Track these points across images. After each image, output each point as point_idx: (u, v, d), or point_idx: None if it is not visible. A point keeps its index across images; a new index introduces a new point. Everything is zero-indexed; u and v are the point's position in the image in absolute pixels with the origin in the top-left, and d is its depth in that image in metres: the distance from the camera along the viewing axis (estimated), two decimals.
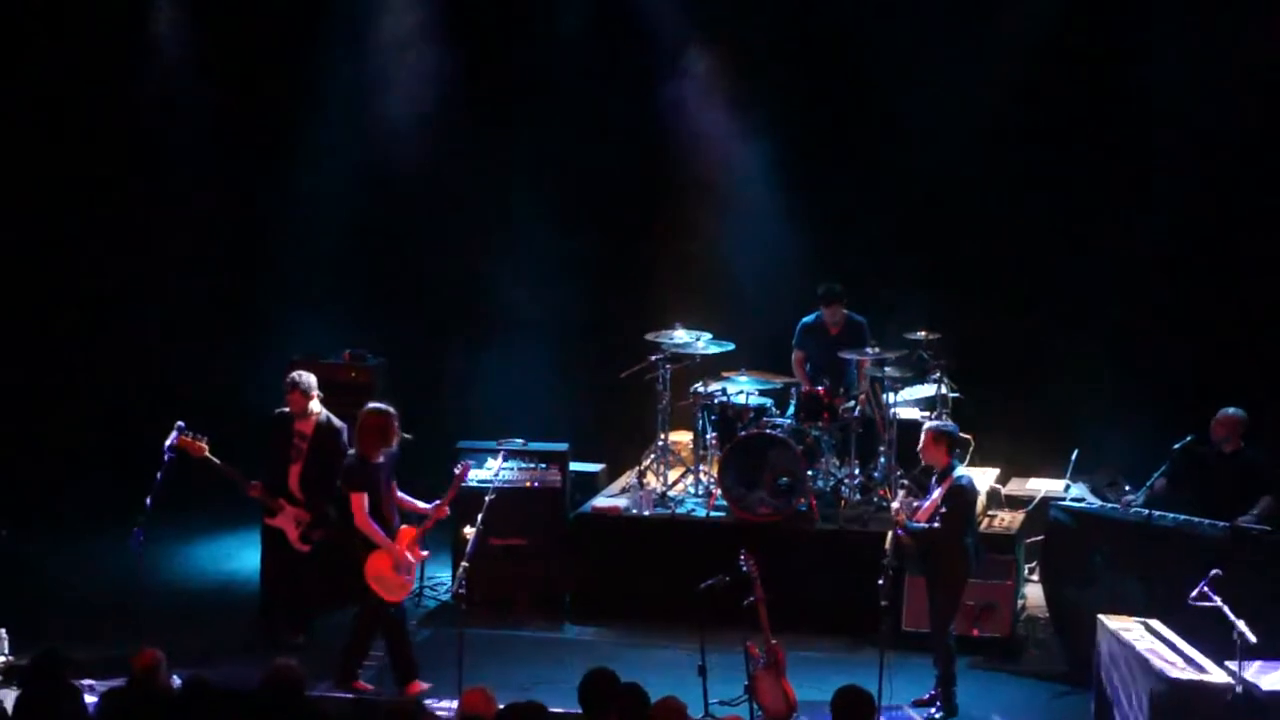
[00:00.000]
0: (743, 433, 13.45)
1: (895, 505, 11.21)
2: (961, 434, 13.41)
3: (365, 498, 11.05)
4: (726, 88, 15.05)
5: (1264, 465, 11.93)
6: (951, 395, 13.53)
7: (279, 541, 11.92)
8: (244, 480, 11.75)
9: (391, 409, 11.29)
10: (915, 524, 11.07)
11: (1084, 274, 14.51)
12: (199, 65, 15.25)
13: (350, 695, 10.93)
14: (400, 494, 11.40)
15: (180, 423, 11.58)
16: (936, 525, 11.01)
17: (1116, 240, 14.33)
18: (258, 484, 11.81)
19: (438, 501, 11.31)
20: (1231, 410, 11.97)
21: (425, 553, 11.29)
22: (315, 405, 11.98)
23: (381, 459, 11.19)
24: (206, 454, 11.62)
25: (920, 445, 11.41)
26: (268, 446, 12.05)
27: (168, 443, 11.48)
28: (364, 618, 11.23)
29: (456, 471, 11.56)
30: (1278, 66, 13.72)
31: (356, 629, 11.27)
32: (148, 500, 11.14)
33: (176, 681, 8.69)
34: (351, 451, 11.25)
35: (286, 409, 12.00)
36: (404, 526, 11.28)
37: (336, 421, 12.05)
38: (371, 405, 11.36)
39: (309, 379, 11.99)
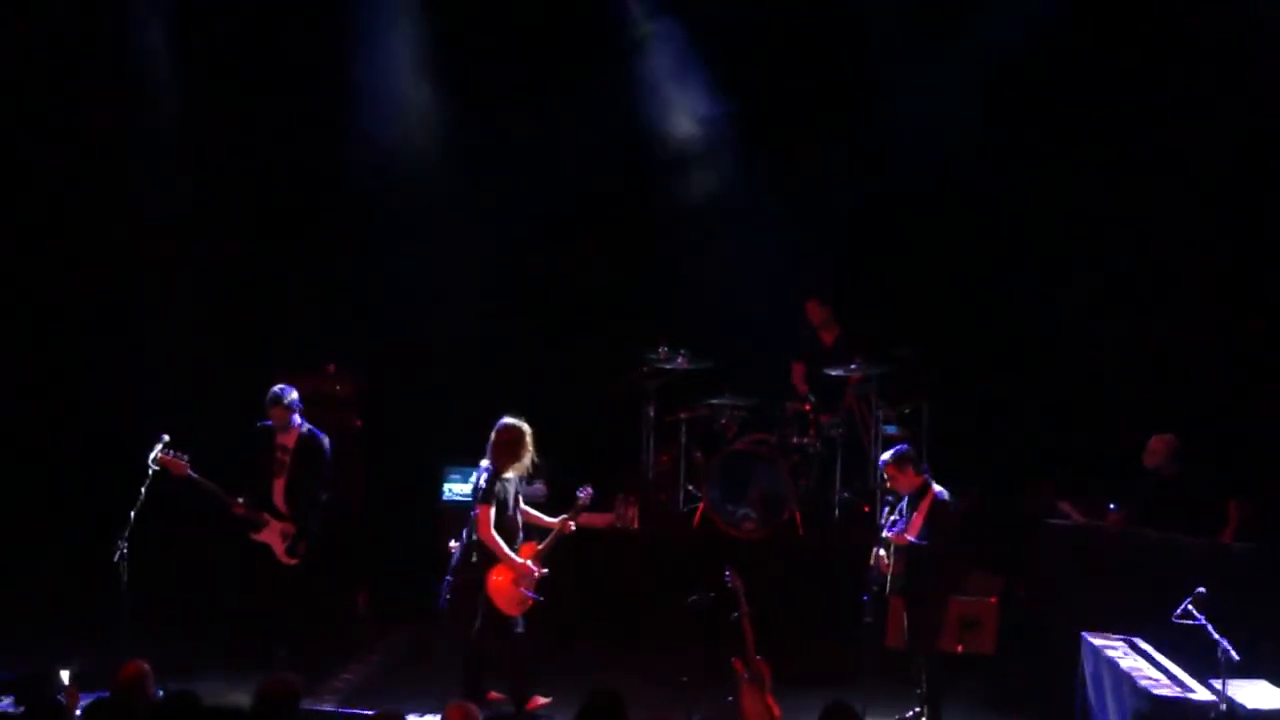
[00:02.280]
0: (728, 449, 13.46)
1: (897, 529, 11.11)
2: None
3: (491, 511, 11.07)
4: (711, 104, 15.06)
5: (1210, 481, 11.98)
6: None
7: (264, 555, 11.87)
8: (228, 497, 11.70)
9: (525, 425, 11.26)
10: (914, 540, 11.00)
11: (1068, 289, 14.48)
12: (180, 76, 15.17)
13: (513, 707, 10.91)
14: (526, 508, 11.40)
15: (164, 436, 11.53)
16: (926, 543, 11.00)
17: (1103, 256, 14.30)
18: (242, 502, 11.76)
19: (564, 516, 11.31)
20: (1161, 435, 12.02)
21: (544, 569, 11.21)
22: (297, 418, 11.96)
23: (511, 474, 11.19)
24: (188, 472, 11.56)
25: (888, 481, 11.41)
26: (250, 461, 12.00)
27: (151, 456, 11.44)
28: (484, 631, 11.15)
29: (580, 495, 11.52)
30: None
31: (474, 642, 11.18)
32: (131, 514, 11.09)
33: (160, 695, 8.64)
34: (484, 464, 11.22)
35: (268, 423, 11.97)
36: (526, 543, 11.24)
37: (319, 434, 12.03)
38: (506, 420, 11.30)
39: (291, 393, 11.96)
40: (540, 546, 11.25)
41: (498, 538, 11.08)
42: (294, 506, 11.84)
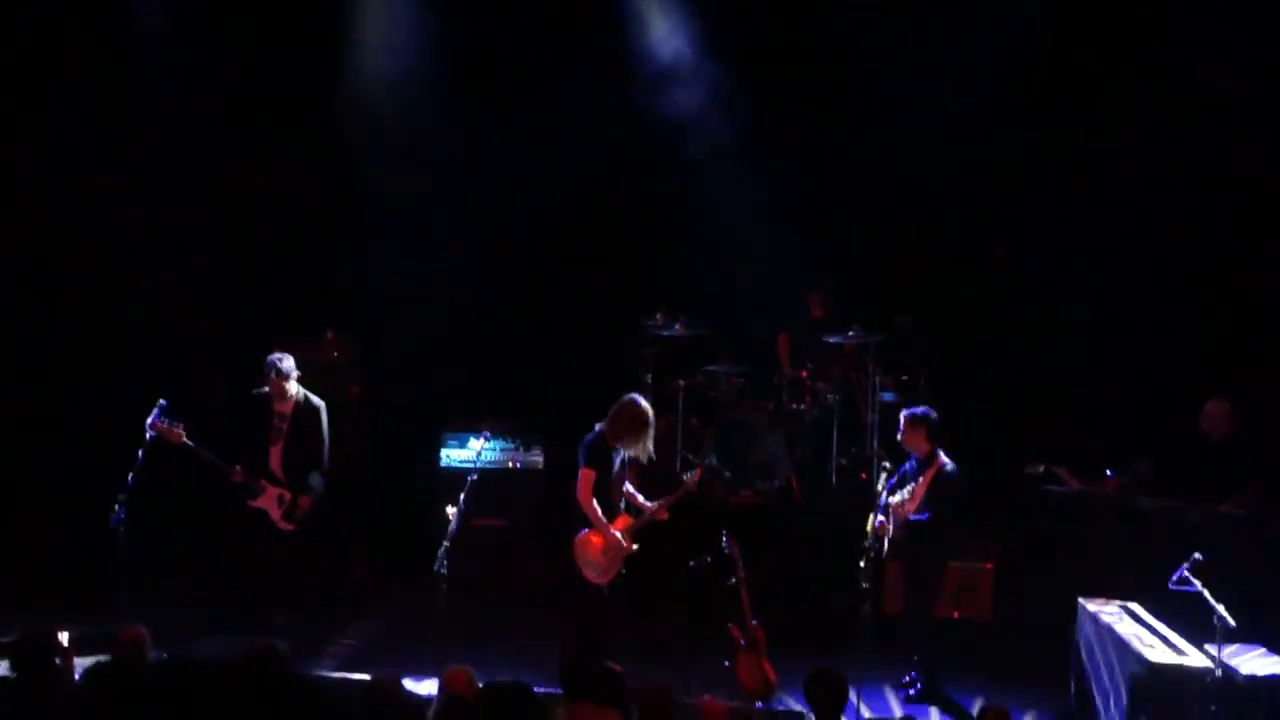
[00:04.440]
0: (726, 416, 13.47)
1: (900, 497, 11.12)
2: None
3: (592, 475, 10.89)
4: (712, 80, 15.00)
5: (1251, 453, 11.99)
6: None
7: (261, 521, 11.88)
8: (225, 466, 11.70)
9: (651, 412, 11.05)
10: (916, 516, 11.00)
11: (1070, 262, 14.48)
12: (186, 63, 15.13)
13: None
14: (629, 488, 11.23)
15: (162, 401, 11.53)
16: (926, 517, 11.01)
17: (1108, 229, 14.28)
18: (239, 470, 11.75)
19: (660, 502, 11.14)
20: (1218, 400, 12.03)
21: (634, 546, 11.03)
22: (293, 386, 11.96)
23: (621, 445, 11.05)
24: (184, 440, 11.56)
25: (900, 433, 11.40)
26: (247, 428, 12.00)
27: (149, 421, 11.45)
28: (582, 599, 11.00)
29: (686, 478, 11.38)
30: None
31: (578, 613, 11.01)
32: (129, 478, 11.11)
33: (162, 658, 8.66)
34: (598, 427, 11.11)
35: (264, 389, 11.96)
36: (623, 514, 11.11)
37: (315, 400, 12.03)
38: (633, 397, 11.07)
39: (288, 361, 11.95)
40: (632, 522, 11.07)
41: (594, 503, 10.93)
42: (291, 473, 11.86)
